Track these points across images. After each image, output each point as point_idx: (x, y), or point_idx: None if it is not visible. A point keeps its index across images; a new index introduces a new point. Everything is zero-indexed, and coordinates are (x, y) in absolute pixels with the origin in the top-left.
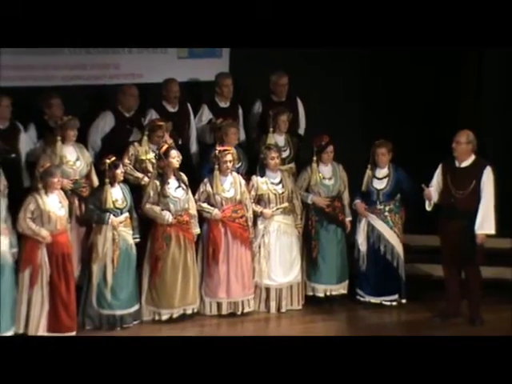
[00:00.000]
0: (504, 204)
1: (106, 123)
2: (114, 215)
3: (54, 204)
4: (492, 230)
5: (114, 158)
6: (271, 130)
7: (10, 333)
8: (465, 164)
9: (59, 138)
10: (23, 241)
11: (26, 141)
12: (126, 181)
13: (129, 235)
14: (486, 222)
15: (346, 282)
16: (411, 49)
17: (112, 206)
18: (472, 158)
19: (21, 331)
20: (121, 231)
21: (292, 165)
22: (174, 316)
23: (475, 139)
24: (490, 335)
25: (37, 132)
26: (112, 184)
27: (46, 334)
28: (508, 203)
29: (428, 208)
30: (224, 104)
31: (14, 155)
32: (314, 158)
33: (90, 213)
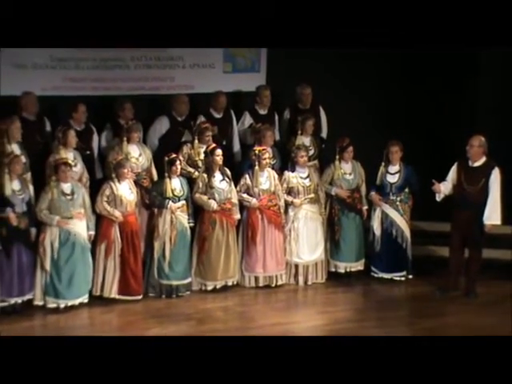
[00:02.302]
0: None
1: (162, 126)
2: (172, 202)
3: (125, 190)
4: (498, 221)
5: (172, 156)
6: (299, 132)
7: (80, 300)
8: (477, 164)
9: (125, 138)
10: (99, 220)
11: (102, 139)
12: (180, 174)
13: (185, 219)
14: (493, 214)
15: (363, 260)
16: (414, 50)
17: (171, 194)
18: (483, 159)
19: (97, 293)
20: (178, 215)
21: (316, 161)
22: (218, 287)
23: (486, 143)
24: (483, 306)
25: (112, 131)
26: (170, 177)
27: (117, 296)
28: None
29: (438, 199)
30: (263, 111)
31: (88, 152)
32: (337, 157)
33: (152, 199)
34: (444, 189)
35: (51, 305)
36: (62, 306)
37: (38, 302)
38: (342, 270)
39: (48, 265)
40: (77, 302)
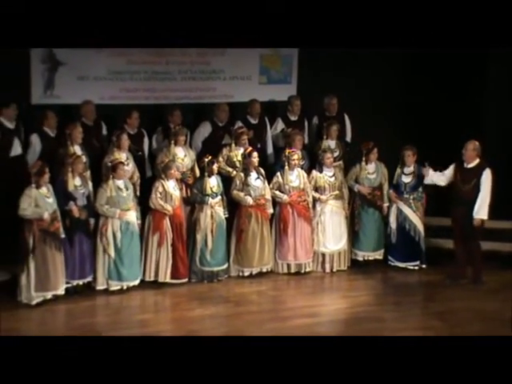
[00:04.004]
0: (504, 195)
1: (205, 130)
2: (211, 198)
3: (173, 187)
4: (485, 216)
5: (210, 157)
6: (325, 137)
7: (138, 281)
8: (471, 165)
9: (172, 141)
10: (152, 214)
11: (154, 140)
12: (220, 173)
13: (221, 212)
14: (481, 210)
15: (381, 250)
16: (422, 50)
17: (210, 191)
18: (477, 161)
19: (151, 279)
20: (216, 209)
21: (340, 162)
22: (253, 273)
23: (479, 147)
24: (489, 293)
25: (163, 134)
26: (210, 176)
27: (169, 280)
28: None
29: (424, 181)
30: (294, 118)
31: (139, 153)
32: (363, 158)
33: (194, 196)
34: (432, 175)
35: (114, 287)
36: (125, 287)
37: (100, 287)
38: (360, 258)
39: (112, 252)
40: (136, 282)
